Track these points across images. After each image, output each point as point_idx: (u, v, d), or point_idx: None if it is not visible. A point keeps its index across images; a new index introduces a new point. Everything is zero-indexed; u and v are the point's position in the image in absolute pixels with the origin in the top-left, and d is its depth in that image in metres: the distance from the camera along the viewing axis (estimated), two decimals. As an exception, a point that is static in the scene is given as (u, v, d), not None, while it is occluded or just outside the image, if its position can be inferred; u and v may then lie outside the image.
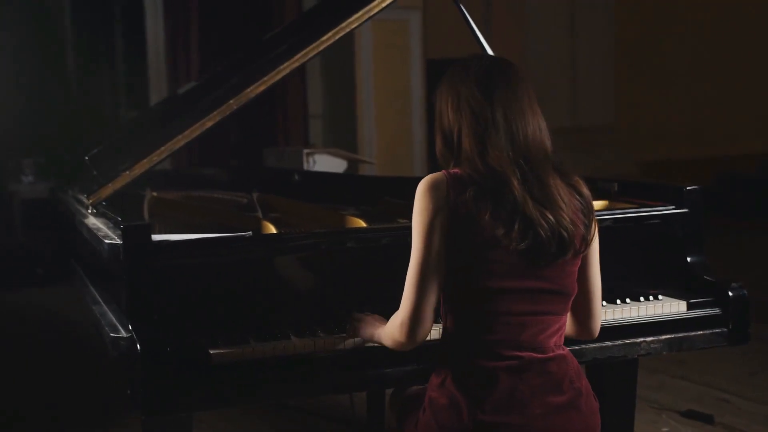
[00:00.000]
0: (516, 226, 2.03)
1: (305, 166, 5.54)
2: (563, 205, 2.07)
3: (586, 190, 2.15)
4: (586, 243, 2.12)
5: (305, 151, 5.58)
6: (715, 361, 4.78)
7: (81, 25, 8.16)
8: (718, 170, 10.08)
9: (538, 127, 2.12)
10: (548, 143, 2.14)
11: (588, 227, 2.12)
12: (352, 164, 6.13)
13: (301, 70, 8.00)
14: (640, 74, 10.33)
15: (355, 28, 2.96)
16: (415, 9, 8.25)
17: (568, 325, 2.27)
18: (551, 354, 2.13)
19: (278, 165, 5.84)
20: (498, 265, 2.05)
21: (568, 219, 2.07)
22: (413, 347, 2.18)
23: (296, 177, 4.18)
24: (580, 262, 2.16)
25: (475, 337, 2.11)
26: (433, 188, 2.08)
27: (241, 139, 8.05)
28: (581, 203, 2.12)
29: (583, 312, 2.25)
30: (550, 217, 2.05)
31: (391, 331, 2.17)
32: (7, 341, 5.68)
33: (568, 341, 2.42)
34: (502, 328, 2.09)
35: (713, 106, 10.60)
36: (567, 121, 9.79)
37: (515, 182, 2.05)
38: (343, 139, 8.14)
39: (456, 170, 2.12)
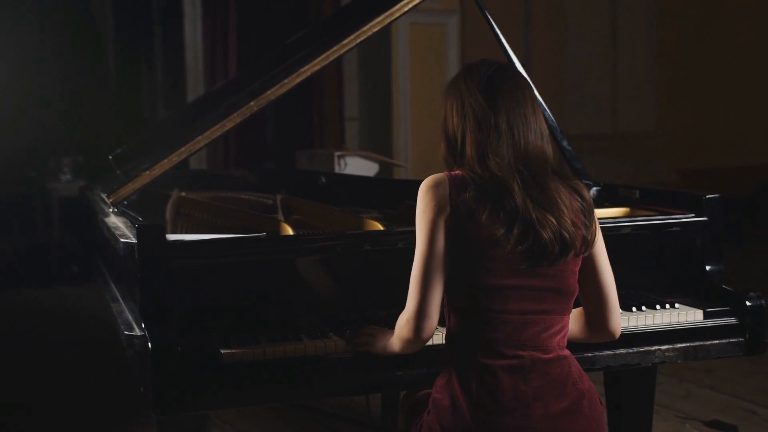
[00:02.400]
0: (515, 230, 2.06)
1: (336, 169, 5.56)
2: (564, 208, 2.10)
3: (586, 193, 2.18)
4: (587, 243, 2.14)
5: (336, 153, 5.59)
6: (744, 371, 4.73)
7: (121, 28, 8.28)
8: (760, 178, 9.95)
9: (539, 134, 2.16)
10: (548, 149, 2.18)
11: (588, 228, 2.14)
12: (384, 167, 6.14)
13: (338, 71, 8.05)
14: (681, 81, 10.22)
15: (384, 30, 2.98)
16: (452, 13, 8.25)
17: (588, 329, 2.27)
18: (553, 354, 2.13)
19: (310, 167, 5.86)
20: (499, 263, 2.08)
21: (569, 221, 2.09)
22: (421, 345, 2.20)
23: (322, 179, 4.20)
24: (580, 263, 2.17)
25: (477, 335, 2.12)
26: (435, 187, 2.12)
27: (277, 140, 8.09)
28: (582, 204, 2.15)
29: (599, 312, 2.24)
30: (552, 219, 2.07)
31: (398, 330, 2.19)
32: (40, 337, 5.77)
33: (583, 347, 2.42)
34: (503, 326, 2.10)
35: (755, 114, 10.46)
36: (607, 128, 9.72)
37: (516, 187, 2.08)
38: (378, 143, 8.16)
39: (458, 172, 2.15)
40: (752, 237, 8.56)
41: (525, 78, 2.23)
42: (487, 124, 2.12)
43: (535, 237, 2.06)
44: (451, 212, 2.10)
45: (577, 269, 2.16)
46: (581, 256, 2.15)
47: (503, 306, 2.09)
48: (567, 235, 2.08)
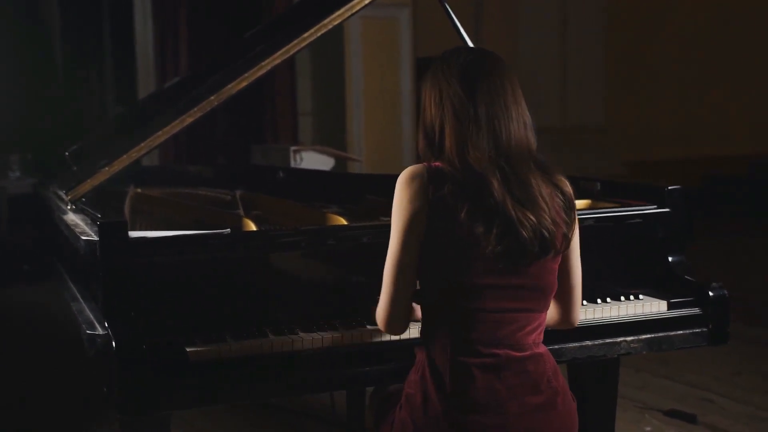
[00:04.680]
0: (495, 229, 2.01)
1: (292, 164, 5.54)
2: (544, 206, 2.05)
3: (567, 188, 2.13)
4: (567, 241, 2.11)
5: (292, 148, 5.58)
6: (700, 360, 4.79)
7: (69, 22, 8.13)
8: (708, 171, 10.10)
9: (522, 123, 2.09)
10: (532, 139, 2.11)
11: (569, 225, 2.10)
12: (339, 162, 6.13)
13: (291, 67, 8.00)
14: (630, 75, 10.34)
15: (336, 25, 2.94)
16: (404, 6, 8.24)
17: (551, 315, 2.26)
18: (528, 352, 2.12)
19: (265, 162, 5.83)
20: (477, 261, 2.04)
21: (549, 219, 2.05)
22: (394, 334, 2.24)
23: (281, 174, 4.16)
24: (560, 260, 2.15)
25: (453, 333, 2.09)
26: (413, 180, 2.07)
27: (229, 135, 8.02)
28: (563, 201, 2.10)
29: (564, 304, 2.26)
30: (532, 217, 2.02)
31: (377, 321, 2.20)
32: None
33: (550, 340, 2.42)
34: (480, 325, 2.07)
35: (703, 108, 10.62)
36: (557, 121, 9.80)
37: (495, 183, 2.02)
38: (332, 137, 8.12)
39: (437, 164, 2.10)
40: (700, 229, 8.67)
41: (504, 63, 2.15)
42: (465, 115, 2.05)
43: (514, 236, 2.01)
44: (429, 208, 2.05)
45: (557, 266, 2.13)
46: (560, 254, 2.12)
47: (480, 304, 2.06)
48: (547, 234, 2.04)
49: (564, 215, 2.09)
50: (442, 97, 2.09)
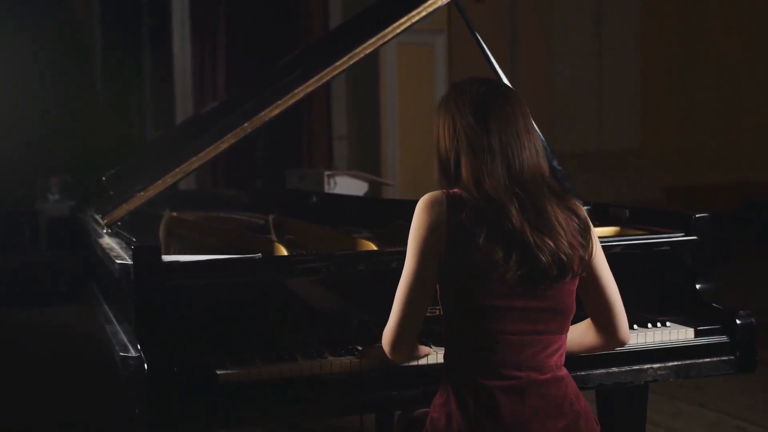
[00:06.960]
0: (514, 255, 2.06)
1: (326, 188, 5.57)
2: (561, 231, 2.10)
3: (582, 212, 2.18)
4: (584, 264, 2.15)
5: (326, 172, 5.61)
6: (734, 388, 4.74)
7: (109, 46, 8.28)
8: (746, 196, 10.01)
9: (534, 150, 2.15)
10: (545, 165, 2.18)
11: (585, 248, 2.14)
12: (373, 186, 6.16)
13: (327, 92, 8.07)
14: (666, 99, 10.29)
15: (372, 51, 3.00)
16: (440, 32, 8.28)
17: (599, 339, 2.30)
18: (550, 375, 2.14)
19: (300, 186, 5.87)
20: (496, 284, 2.08)
21: (566, 243, 2.10)
22: (400, 360, 2.29)
23: (314, 199, 4.21)
24: (578, 282, 2.18)
25: (475, 356, 2.13)
26: (432, 206, 2.12)
27: (266, 159, 8.10)
28: (578, 225, 2.15)
29: (606, 323, 2.27)
30: (549, 242, 2.08)
31: (383, 341, 2.23)
32: (27, 358, 5.74)
33: (575, 366, 2.43)
34: (501, 347, 2.11)
35: (740, 131, 10.54)
36: (593, 146, 9.76)
37: (513, 211, 2.08)
38: (367, 162, 8.17)
39: (455, 191, 2.15)
40: (739, 253, 8.59)
41: (515, 93, 2.22)
42: (480, 146, 2.12)
43: (533, 261, 2.06)
44: (447, 233, 2.10)
45: (575, 288, 2.17)
46: (578, 277, 2.16)
47: (501, 327, 2.10)
48: (565, 258, 2.09)
49: (580, 238, 2.14)
50: (455, 128, 2.16)
